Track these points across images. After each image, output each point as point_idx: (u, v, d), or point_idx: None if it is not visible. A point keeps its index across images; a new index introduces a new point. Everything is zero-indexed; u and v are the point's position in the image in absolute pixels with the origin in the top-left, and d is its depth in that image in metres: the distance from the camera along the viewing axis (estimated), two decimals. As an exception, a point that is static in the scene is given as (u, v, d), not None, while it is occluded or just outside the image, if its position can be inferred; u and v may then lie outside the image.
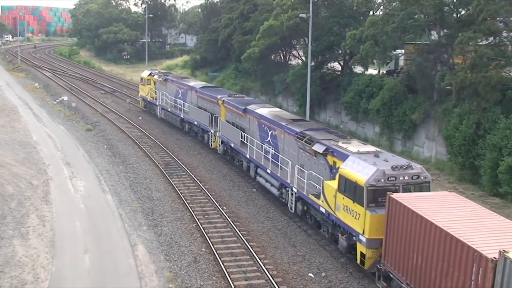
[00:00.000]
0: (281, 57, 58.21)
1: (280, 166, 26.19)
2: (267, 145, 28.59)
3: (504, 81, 30.73)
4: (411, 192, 18.82)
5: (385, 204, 17.66)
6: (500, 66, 30.25)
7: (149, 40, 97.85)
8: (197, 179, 31.22)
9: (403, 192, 18.64)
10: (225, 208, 26.85)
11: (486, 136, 29.20)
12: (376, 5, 45.69)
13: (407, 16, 34.94)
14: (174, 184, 30.15)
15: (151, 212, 26.06)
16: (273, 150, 27.71)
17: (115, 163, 34.42)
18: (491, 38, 31.71)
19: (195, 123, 39.35)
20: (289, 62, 56.84)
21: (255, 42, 51.24)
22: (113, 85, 70.29)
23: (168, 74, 50.08)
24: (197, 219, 25.05)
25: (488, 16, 29.60)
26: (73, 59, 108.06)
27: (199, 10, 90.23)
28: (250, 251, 21.87)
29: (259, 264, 20.71)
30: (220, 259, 21.00)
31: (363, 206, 18.85)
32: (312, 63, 43.59)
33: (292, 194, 25.12)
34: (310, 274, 20.39)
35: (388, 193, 17.55)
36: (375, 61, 43.75)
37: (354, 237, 19.70)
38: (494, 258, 12.89)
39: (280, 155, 26.65)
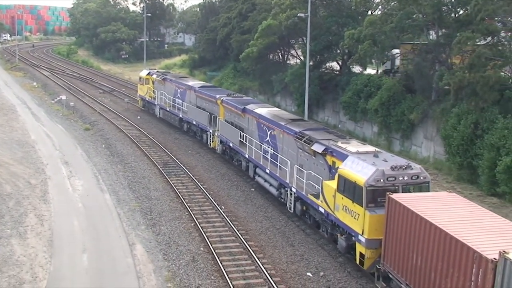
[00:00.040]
0: (279, 57, 58.25)
1: (279, 166, 26.15)
2: (266, 145, 28.55)
3: (502, 81, 30.82)
4: (410, 192, 18.80)
5: (384, 204, 17.65)
6: (498, 66, 30.28)
7: (147, 39, 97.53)
8: (195, 178, 31.18)
9: (402, 192, 18.61)
10: (223, 207, 26.82)
11: (484, 136, 29.23)
12: (374, 5, 45.85)
13: (405, 15, 34.98)
14: (173, 183, 30.10)
15: (149, 212, 26.02)
16: (272, 150, 27.67)
17: (113, 163, 34.37)
18: (489, 38, 31.75)
19: (194, 122, 39.30)
20: (288, 62, 56.85)
21: (253, 41, 51.17)
22: (112, 84, 70.19)
23: (166, 73, 49.98)
24: (196, 218, 25.02)
25: (486, 16, 29.61)
26: (71, 58, 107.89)
27: (198, 10, 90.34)
28: (248, 250, 21.85)
29: (257, 264, 20.69)
30: (218, 258, 20.98)
31: (362, 206, 18.82)
32: (311, 63, 43.55)
33: (291, 194, 25.08)
34: (309, 274, 20.37)
35: (388, 193, 17.53)
36: (373, 60, 43.79)
37: (353, 237, 19.68)
38: (494, 259, 12.86)
39: (279, 155, 26.60)
